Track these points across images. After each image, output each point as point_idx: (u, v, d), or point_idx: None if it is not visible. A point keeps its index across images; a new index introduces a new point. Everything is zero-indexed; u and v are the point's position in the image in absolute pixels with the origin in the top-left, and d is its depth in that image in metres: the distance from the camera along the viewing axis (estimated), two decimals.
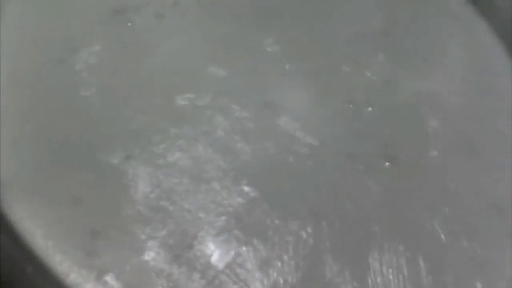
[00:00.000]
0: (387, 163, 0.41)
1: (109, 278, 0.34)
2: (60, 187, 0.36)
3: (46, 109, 0.38)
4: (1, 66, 0.38)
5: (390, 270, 0.38)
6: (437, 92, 0.45)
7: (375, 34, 0.46)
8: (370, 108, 0.43)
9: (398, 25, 0.47)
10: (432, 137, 0.43)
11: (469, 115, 0.45)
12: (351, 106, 0.43)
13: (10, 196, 0.35)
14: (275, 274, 0.36)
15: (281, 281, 0.36)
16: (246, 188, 0.38)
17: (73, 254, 0.34)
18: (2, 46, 0.39)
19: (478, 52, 0.48)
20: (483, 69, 0.47)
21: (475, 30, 0.48)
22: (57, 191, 0.36)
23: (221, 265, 0.36)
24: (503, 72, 0.47)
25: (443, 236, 0.40)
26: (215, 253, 0.36)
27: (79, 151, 0.37)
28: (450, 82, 0.46)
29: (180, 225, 0.36)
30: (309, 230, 0.38)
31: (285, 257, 0.37)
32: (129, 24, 0.42)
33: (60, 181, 0.36)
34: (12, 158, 0.36)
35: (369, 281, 0.37)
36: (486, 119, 0.45)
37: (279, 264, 0.36)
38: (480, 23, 0.49)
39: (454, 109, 0.45)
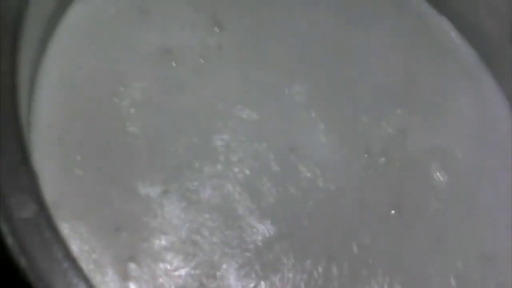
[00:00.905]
0: (393, 211, 0.45)
1: None
2: (104, 215, 0.38)
3: (95, 141, 0.40)
4: (57, 96, 0.40)
5: None
6: (447, 146, 0.48)
7: (395, 86, 0.48)
8: (383, 159, 0.46)
9: (417, 79, 0.49)
10: (436, 190, 0.46)
11: (473, 171, 0.48)
12: (367, 155, 0.46)
13: (58, 219, 0.36)
14: None
15: None
16: (268, 227, 0.41)
17: (110, 278, 0.37)
18: (58, 77, 0.41)
19: (488, 111, 0.50)
20: (490, 128, 0.50)
21: (487, 90, 0.51)
22: (101, 218, 0.38)
23: None
24: (506, 132, 0.50)
25: (437, 282, 0.44)
26: (236, 285, 0.39)
27: (123, 182, 0.39)
28: (459, 139, 0.48)
29: (207, 257, 0.39)
30: (320, 269, 0.41)
31: None
32: (174, 64, 0.44)
33: (104, 209, 0.39)
34: (62, 184, 0.38)
35: None
36: (488, 176, 0.48)
37: None
38: (493, 83, 0.51)
39: (460, 164, 0.48)
